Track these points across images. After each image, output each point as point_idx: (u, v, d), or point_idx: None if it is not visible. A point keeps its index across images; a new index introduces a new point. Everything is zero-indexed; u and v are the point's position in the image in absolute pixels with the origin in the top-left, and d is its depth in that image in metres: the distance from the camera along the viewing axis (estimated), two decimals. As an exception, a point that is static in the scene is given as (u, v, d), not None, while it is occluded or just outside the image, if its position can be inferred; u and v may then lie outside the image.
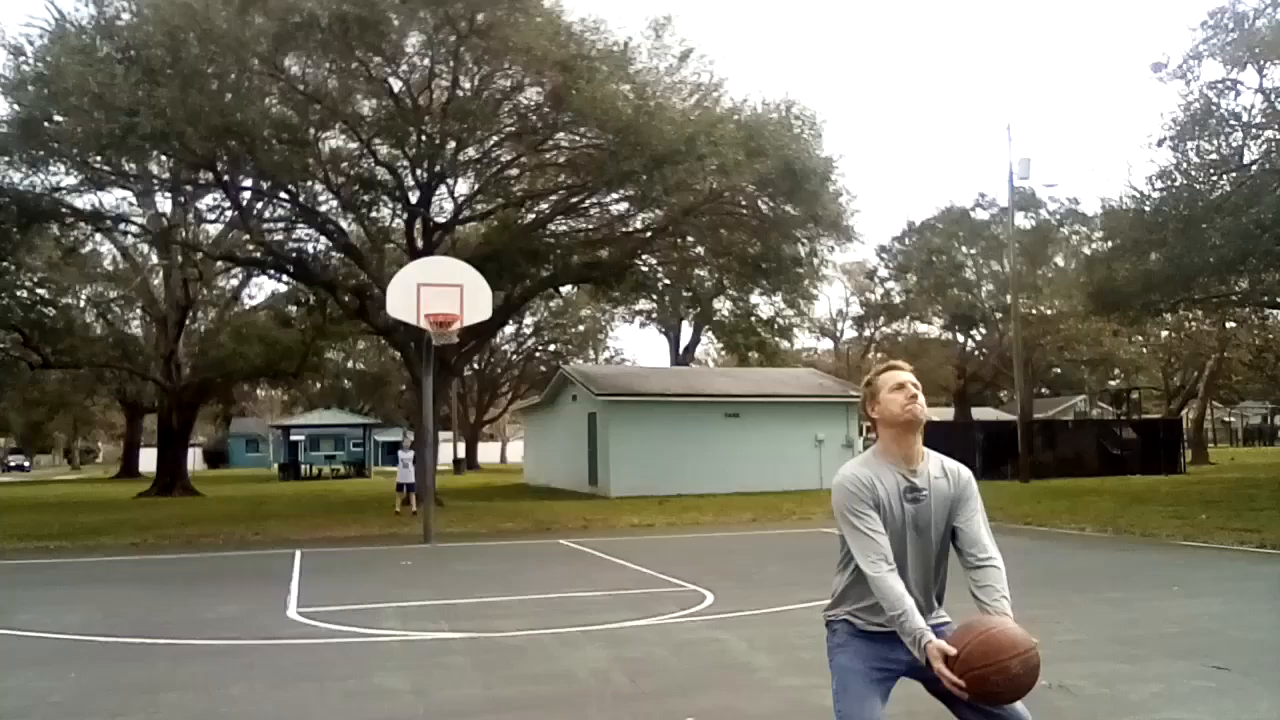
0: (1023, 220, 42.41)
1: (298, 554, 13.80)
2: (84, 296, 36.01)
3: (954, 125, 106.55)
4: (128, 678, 6.71)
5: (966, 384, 49.87)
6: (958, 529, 3.09)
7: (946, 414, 49.05)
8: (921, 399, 3.12)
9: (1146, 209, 24.36)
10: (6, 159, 20.45)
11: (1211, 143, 23.41)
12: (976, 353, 52.04)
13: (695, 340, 50.93)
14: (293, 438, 49.91)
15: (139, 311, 38.87)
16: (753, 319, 33.48)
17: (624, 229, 24.82)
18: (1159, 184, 24.31)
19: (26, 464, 68.97)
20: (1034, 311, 42.28)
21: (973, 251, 48.55)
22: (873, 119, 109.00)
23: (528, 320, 51.32)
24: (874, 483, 3.05)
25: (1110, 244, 27.62)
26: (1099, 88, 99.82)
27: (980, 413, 51.13)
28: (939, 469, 3.15)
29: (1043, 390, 58.32)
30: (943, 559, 3.15)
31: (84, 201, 24.08)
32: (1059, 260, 45.89)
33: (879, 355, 52.31)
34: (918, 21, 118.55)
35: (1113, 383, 57.81)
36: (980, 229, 47.37)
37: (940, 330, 53.71)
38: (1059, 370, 57.70)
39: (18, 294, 28.72)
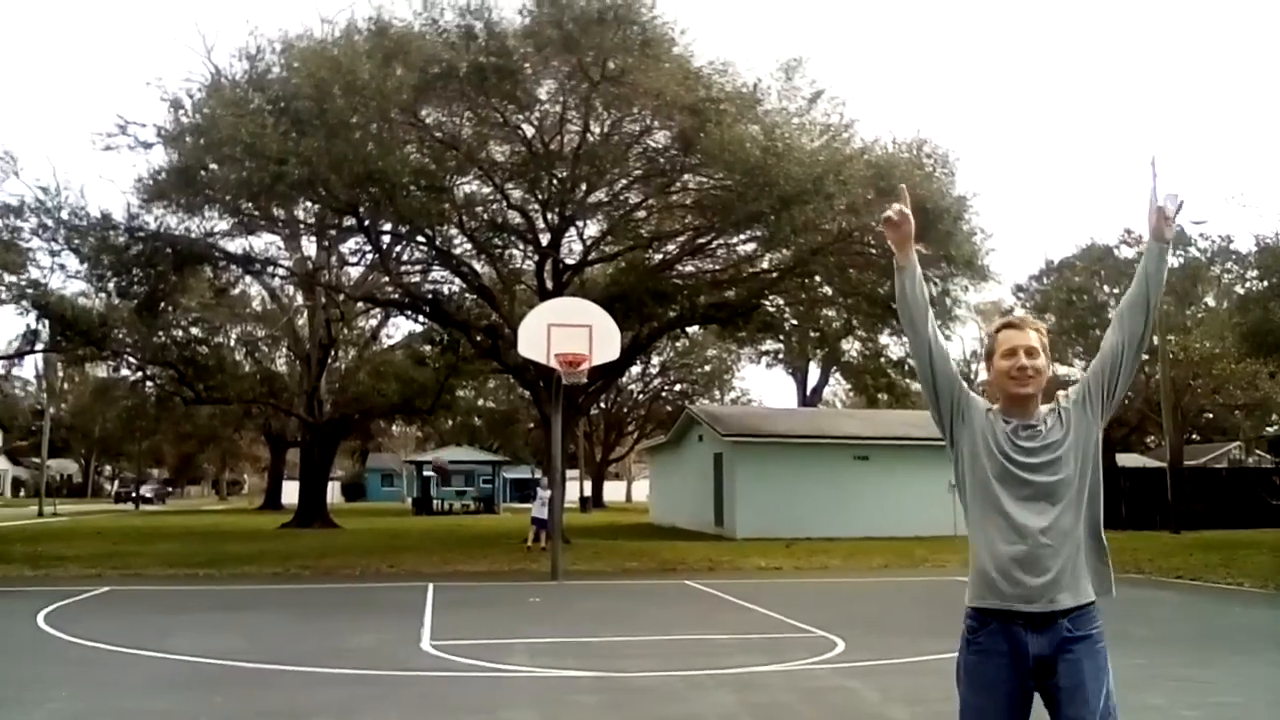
0: (1170, 258, 40.59)
1: (430, 587, 14.07)
2: (234, 336, 37.96)
3: (1098, 160, 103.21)
4: (269, 703, 6.94)
5: (1111, 429, 47.66)
6: None
7: (1089, 460, 46.89)
8: (1040, 364, 3.07)
9: (1307, 246, 23.16)
10: (166, 204, 21.70)
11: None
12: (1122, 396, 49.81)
13: (823, 381, 50.31)
14: (425, 473, 51.13)
15: (284, 350, 40.64)
16: (882, 360, 32.82)
17: (751, 269, 24.77)
18: (1321, 219, 23.11)
19: (150, 495, 62.71)
20: (1183, 353, 40.29)
21: (1115, 291, 46.69)
22: (1012, 154, 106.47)
23: (654, 360, 51.62)
24: None
25: (1266, 283, 26.30)
26: (1253, 121, 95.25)
27: (1126, 459, 48.78)
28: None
29: (1193, 436, 55.33)
30: None
31: (235, 245, 25.32)
32: (1210, 300, 43.81)
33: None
34: (1062, 55, 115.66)
35: (1270, 429, 54.48)
36: (1124, 267, 45.49)
37: (1081, 372, 51.68)
38: (1210, 415, 54.67)
39: (174, 333, 30.36)
